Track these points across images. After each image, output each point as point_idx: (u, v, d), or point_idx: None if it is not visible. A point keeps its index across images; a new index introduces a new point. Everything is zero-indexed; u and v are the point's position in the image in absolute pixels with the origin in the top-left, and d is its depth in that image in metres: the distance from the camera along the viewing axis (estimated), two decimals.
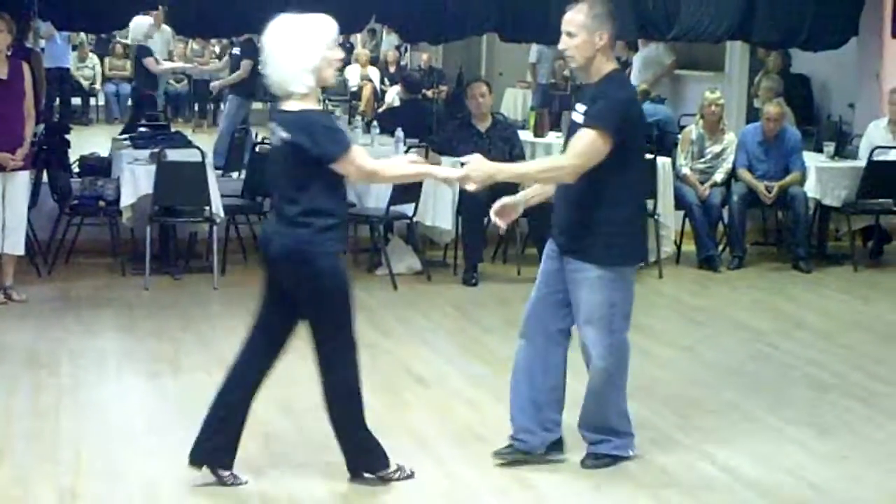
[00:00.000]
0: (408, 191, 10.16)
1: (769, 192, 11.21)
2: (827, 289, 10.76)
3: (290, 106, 5.55)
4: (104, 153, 11.55)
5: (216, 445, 5.74)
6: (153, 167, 9.96)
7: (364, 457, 5.85)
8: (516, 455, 6.12)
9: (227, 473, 5.77)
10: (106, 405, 7.09)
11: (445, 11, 11.72)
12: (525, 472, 6.03)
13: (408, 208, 10.37)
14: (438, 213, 10.67)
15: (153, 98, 17.60)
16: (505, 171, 6.02)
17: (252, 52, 15.42)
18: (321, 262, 5.53)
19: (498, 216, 6.01)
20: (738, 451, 6.41)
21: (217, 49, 23.42)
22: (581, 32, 5.74)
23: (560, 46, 5.87)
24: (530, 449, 6.11)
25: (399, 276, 10.28)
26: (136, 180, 10.04)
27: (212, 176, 10.17)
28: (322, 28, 5.54)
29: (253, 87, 15.85)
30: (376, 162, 5.78)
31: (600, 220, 5.83)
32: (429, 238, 11.16)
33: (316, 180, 5.50)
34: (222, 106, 22.00)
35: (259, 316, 5.80)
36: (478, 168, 5.71)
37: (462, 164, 5.91)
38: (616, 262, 5.89)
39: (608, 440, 6.16)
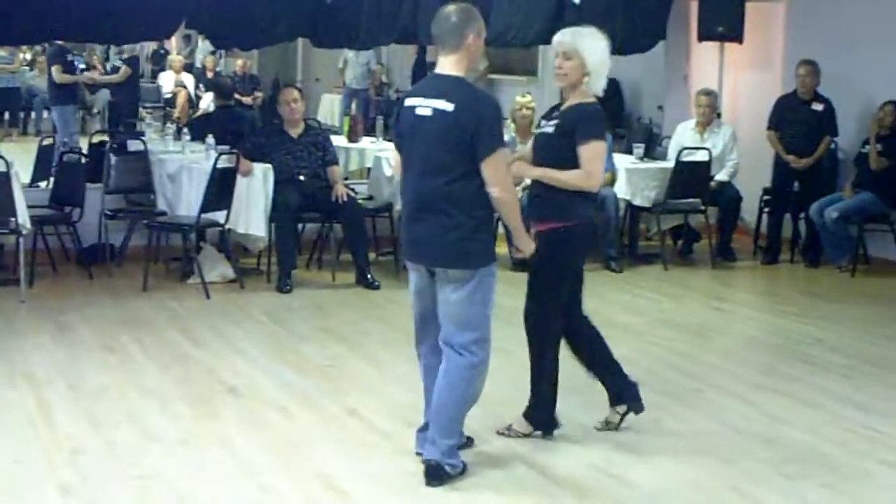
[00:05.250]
0: (220, 198, 10.05)
1: None
2: (638, 287, 10.97)
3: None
4: None
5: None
6: None
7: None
8: None
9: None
10: None
11: (255, 18, 11.62)
12: (339, 479, 6.00)
13: (220, 216, 10.21)
14: (251, 220, 10.52)
15: None
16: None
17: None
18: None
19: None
20: (550, 451, 6.49)
21: (29, 56, 22.95)
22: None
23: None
24: None
25: (212, 285, 10.13)
26: None
27: (17, 186, 9.89)
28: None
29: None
30: None
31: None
32: (242, 245, 11.04)
33: None
34: (32, 115, 21.64)
35: None
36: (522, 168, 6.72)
37: None
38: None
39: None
